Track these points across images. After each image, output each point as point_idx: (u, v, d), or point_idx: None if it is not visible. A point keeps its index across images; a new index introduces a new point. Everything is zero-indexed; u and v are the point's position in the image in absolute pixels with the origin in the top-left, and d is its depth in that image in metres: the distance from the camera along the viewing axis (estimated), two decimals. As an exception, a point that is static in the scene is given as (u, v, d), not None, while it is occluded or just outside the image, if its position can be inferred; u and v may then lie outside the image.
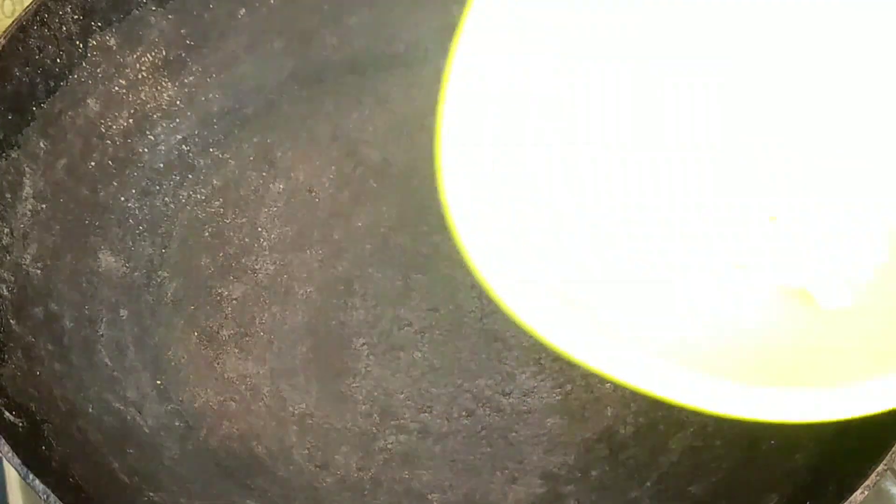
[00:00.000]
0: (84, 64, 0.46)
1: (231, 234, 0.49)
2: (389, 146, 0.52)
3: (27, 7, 0.43)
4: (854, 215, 0.34)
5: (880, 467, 0.35)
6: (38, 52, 0.44)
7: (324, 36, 0.52)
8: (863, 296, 0.34)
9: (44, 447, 0.37)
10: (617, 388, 0.45)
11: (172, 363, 0.45)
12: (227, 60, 0.51)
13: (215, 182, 0.50)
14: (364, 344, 0.47)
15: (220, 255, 0.49)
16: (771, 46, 0.35)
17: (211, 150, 0.50)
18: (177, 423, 0.43)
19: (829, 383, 0.29)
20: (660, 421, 0.44)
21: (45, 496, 0.34)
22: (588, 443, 0.44)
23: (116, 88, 0.47)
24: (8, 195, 0.42)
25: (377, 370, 0.46)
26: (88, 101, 0.46)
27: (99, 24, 0.46)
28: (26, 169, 0.43)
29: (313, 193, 0.51)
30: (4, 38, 0.42)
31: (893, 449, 0.35)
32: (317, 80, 0.52)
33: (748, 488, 0.40)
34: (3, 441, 0.35)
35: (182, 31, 0.49)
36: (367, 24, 0.52)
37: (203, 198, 0.50)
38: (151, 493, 0.39)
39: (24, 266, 0.42)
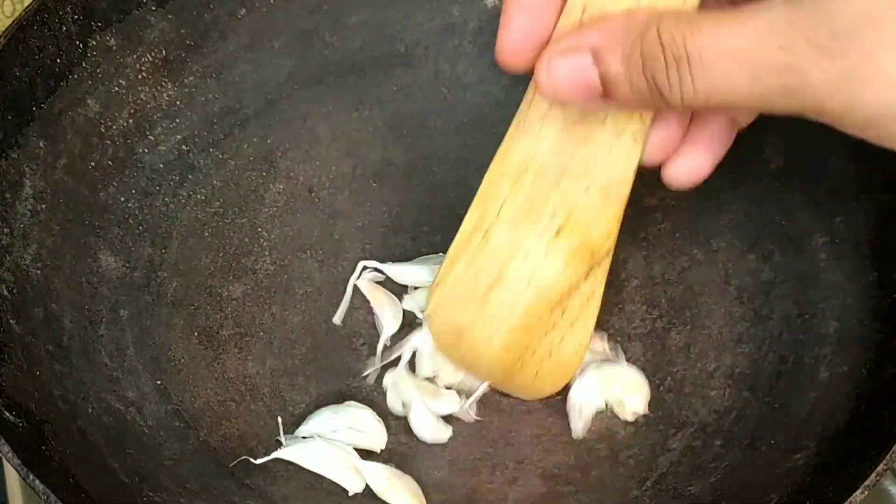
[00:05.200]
0: (84, 64, 0.46)
1: (231, 234, 0.49)
2: (389, 146, 0.52)
3: (27, 7, 0.43)
4: None
5: (880, 467, 0.35)
6: (38, 52, 0.44)
7: (324, 36, 0.52)
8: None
9: (44, 447, 0.37)
10: (617, 388, 0.45)
11: (172, 363, 0.45)
12: (227, 60, 0.51)
13: (215, 182, 0.50)
14: (364, 344, 0.47)
15: (220, 255, 0.49)
16: None
17: (211, 150, 0.50)
18: (177, 423, 0.43)
19: None
20: (660, 421, 0.44)
21: (45, 496, 0.34)
22: (588, 443, 0.44)
23: (116, 88, 0.47)
24: (8, 195, 0.42)
25: (377, 370, 0.46)
26: (88, 101, 0.46)
27: (99, 24, 0.46)
28: (26, 169, 0.43)
29: (313, 193, 0.51)
30: (4, 38, 0.42)
31: (893, 449, 0.35)
32: (317, 80, 0.52)
33: (748, 488, 0.40)
34: (4, 441, 0.35)
35: (182, 31, 0.49)
36: (367, 24, 0.52)
37: (203, 198, 0.50)
38: (151, 493, 0.39)
39: (24, 266, 0.42)
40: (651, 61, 0.30)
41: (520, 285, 0.40)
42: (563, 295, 0.40)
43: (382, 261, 0.48)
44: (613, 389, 0.44)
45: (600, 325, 0.44)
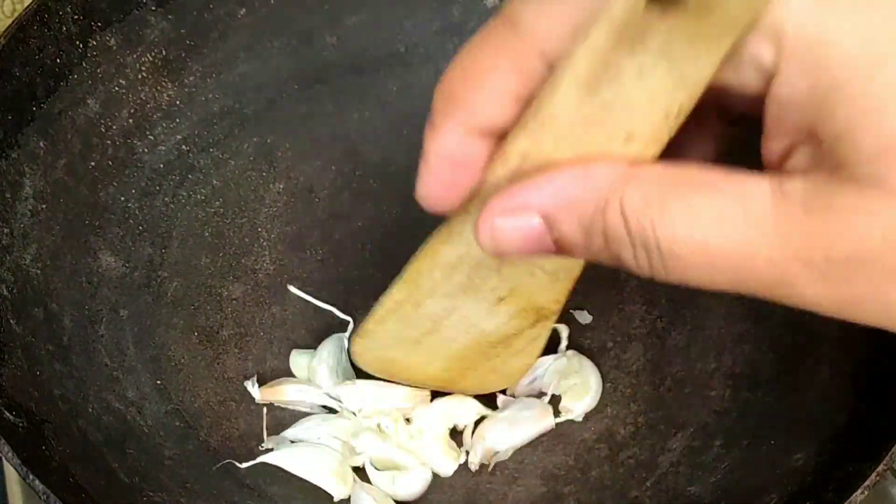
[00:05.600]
0: (84, 64, 0.46)
1: (231, 234, 0.49)
2: (389, 146, 0.52)
3: (27, 7, 0.43)
4: None
5: (880, 467, 0.35)
6: (38, 52, 0.44)
7: (324, 36, 0.52)
8: None
9: (44, 447, 0.37)
10: (617, 388, 0.45)
11: (172, 363, 0.45)
12: (227, 60, 0.51)
13: (215, 182, 0.50)
14: (364, 344, 0.46)
15: (220, 255, 0.49)
16: None
17: (211, 150, 0.50)
18: (177, 423, 0.43)
19: None
20: (660, 421, 0.44)
21: (45, 496, 0.34)
22: (588, 443, 0.44)
23: (116, 88, 0.47)
24: (8, 195, 0.42)
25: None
26: (88, 101, 0.46)
27: (99, 24, 0.46)
28: (26, 169, 0.43)
29: (313, 193, 0.51)
30: (4, 38, 0.42)
31: (893, 449, 0.35)
32: (317, 80, 0.52)
33: (748, 488, 0.40)
34: (4, 441, 0.35)
35: (182, 31, 0.49)
36: (367, 24, 0.52)
37: (203, 198, 0.50)
38: (151, 493, 0.39)
39: (24, 266, 0.42)
40: (616, 242, 0.26)
41: (457, 333, 0.38)
42: (505, 338, 0.38)
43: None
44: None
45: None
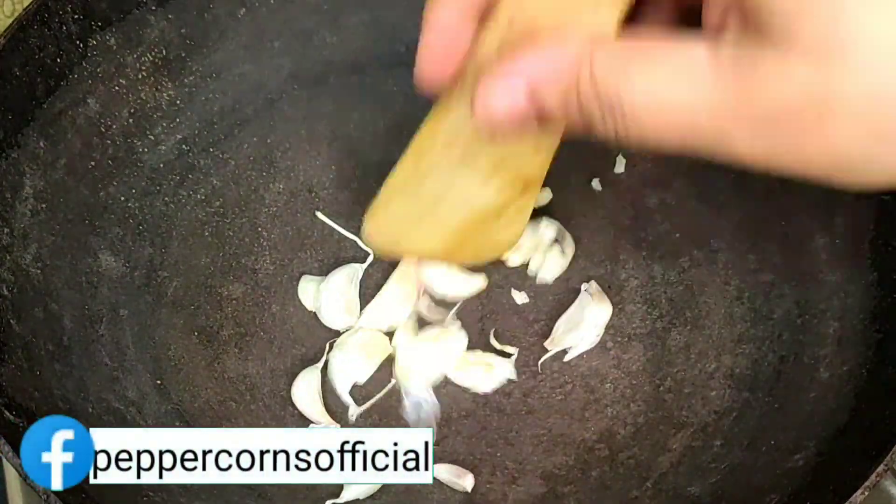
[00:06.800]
0: (84, 64, 0.46)
1: (231, 234, 0.49)
2: (389, 146, 0.52)
3: (27, 7, 0.43)
4: None
5: (880, 467, 0.35)
6: (38, 52, 0.44)
7: (324, 36, 0.52)
8: None
9: (44, 447, 0.37)
10: (617, 388, 0.45)
11: (172, 363, 0.45)
12: (227, 60, 0.51)
13: (215, 182, 0.50)
14: (364, 344, 0.47)
15: (220, 255, 0.49)
16: None
17: (211, 150, 0.50)
18: (177, 424, 0.43)
19: None
20: (660, 421, 0.44)
21: (45, 496, 0.34)
22: (588, 443, 0.44)
23: (116, 88, 0.47)
24: (8, 195, 0.42)
25: (377, 370, 0.46)
26: (88, 100, 0.46)
27: (99, 24, 0.46)
28: (26, 169, 0.43)
29: (313, 193, 0.51)
30: (4, 38, 0.42)
31: (893, 449, 0.35)
32: (317, 80, 0.52)
33: (748, 488, 0.40)
34: (4, 441, 0.35)
35: (182, 31, 0.49)
36: (367, 24, 0.52)
37: (203, 198, 0.50)
38: (151, 493, 0.39)
39: (24, 266, 0.42)
40: (586, 104, 0.29)
41: (454, 210, 0.41)
42: (497, 210, 0.41)
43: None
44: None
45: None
